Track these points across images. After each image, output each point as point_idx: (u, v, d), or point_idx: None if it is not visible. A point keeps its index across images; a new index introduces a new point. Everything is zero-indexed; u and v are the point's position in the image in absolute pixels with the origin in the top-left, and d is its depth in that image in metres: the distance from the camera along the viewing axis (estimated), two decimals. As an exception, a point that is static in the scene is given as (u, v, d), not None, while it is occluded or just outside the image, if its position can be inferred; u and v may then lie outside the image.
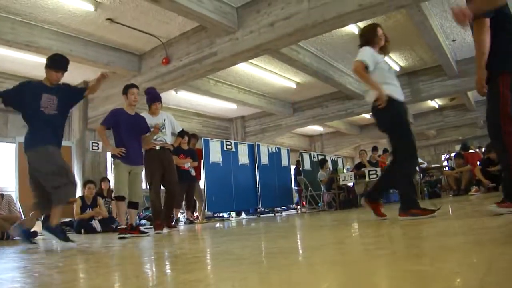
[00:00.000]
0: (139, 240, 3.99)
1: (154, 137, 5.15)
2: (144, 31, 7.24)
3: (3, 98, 3.58)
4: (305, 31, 6.05)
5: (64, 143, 9.49)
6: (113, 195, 5.57)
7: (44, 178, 3.44)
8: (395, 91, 3.50)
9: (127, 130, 4.64)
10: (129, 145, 4.59)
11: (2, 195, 5.80)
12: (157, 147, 5.19)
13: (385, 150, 11.69)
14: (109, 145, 4.66)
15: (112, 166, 4.80)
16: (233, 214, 10.15)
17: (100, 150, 8.66)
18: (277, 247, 2.31)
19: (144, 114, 5.35)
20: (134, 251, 2.97)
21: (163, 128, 5.29)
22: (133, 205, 4.69)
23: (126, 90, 4.90)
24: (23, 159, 6.05)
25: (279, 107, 12.51)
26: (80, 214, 6.69)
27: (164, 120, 5.37)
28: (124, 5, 6.36)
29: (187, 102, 11.82)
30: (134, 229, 4.54)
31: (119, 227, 4.70)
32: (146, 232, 4.73)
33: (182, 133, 5.74)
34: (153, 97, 5.46)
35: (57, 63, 3.67)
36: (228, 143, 9.11)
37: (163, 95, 10.21)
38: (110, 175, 10.70)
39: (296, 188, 11.79)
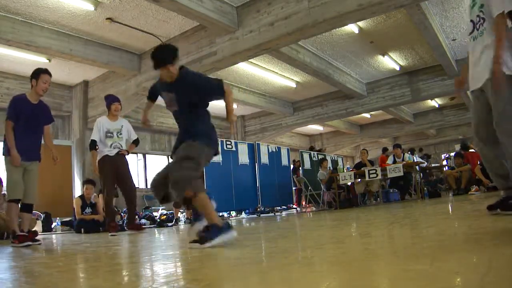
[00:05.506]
0: (138, 240, 3.99)
1: (110, 143, 5.19)
2: (144, 30, 7.24)
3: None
4: (305, 30, 6.05)
5: (64, 142, 9.55)
6: (6, 198, 4.44)
7: None
8: None
9: (25, 121, 4.00)
10: (25, 138, 3.98)
11: (4, 194, 5.80)
12: (111, 153, 5.21)
13: (384, 149, 11.68)
14: (13, 147, 3.89)
15: (4, 164, 4.03)
16: (233, 213, 10.14)
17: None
18: (277, 247, 2.31)
19: (103, 118, 5.40)
20: (134, 251, 2.97)
21: (120, 134, 5.33)
22: (26, 207, 4.01)
23: (37, 75, 4.02)
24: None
25: (279, 106, 12.51)
26: (80, 213, 6.68)
27: (122, 126, 5.40)
28: (124, 5, 6.36)
29: (187, 102, 11.81)
30: (26, 237, 3.85)
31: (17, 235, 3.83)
32: (39, 240, 4.04)
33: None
34: (113, 98, 5.53)
35: (153, 60, 2.71)
36: (228, 142, 9.10)
37: (163, 95, 10.28)
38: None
39: (294, 188, 11.80)
